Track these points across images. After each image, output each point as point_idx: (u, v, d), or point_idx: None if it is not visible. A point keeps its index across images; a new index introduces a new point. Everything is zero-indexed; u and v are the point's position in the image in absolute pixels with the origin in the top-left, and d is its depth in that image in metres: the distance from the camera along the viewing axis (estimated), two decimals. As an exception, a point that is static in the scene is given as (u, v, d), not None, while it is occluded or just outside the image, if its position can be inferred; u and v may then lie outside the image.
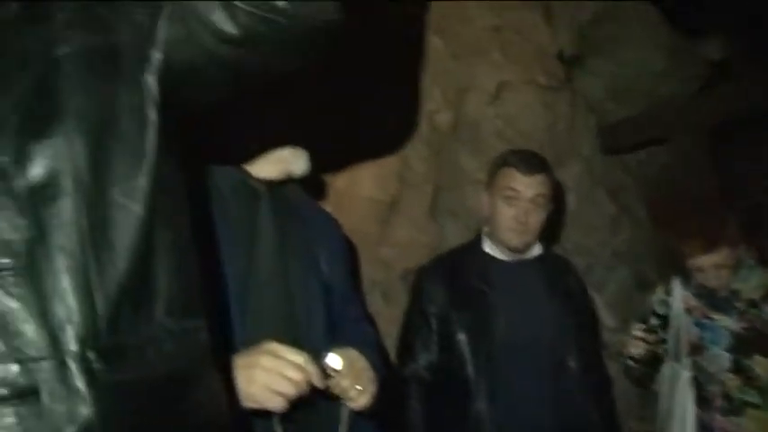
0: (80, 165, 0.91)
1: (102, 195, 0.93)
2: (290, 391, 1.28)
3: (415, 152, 2.72)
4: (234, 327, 1.39)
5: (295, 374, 1.28)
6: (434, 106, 2.78)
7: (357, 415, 1.47)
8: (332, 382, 1.40)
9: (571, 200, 3.06)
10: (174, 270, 0.99)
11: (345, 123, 2.31)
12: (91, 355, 0.87)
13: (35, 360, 0.86)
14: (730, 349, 2.34)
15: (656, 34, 3.23)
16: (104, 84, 0.97)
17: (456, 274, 2.27)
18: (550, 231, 2.47)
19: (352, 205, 2.57)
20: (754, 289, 2.37)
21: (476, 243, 2.34)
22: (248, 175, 1.54)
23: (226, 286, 1.41)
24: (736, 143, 3.35)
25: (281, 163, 1.57)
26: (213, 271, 1.37)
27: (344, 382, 1.42)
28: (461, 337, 2.16)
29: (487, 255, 2.29)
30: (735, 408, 2.32)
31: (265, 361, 1.28)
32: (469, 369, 2.13)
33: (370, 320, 2.05)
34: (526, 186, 2.20)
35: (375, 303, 2.57)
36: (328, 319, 1.58)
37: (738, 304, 2.37)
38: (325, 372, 1.39)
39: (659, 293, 2.58)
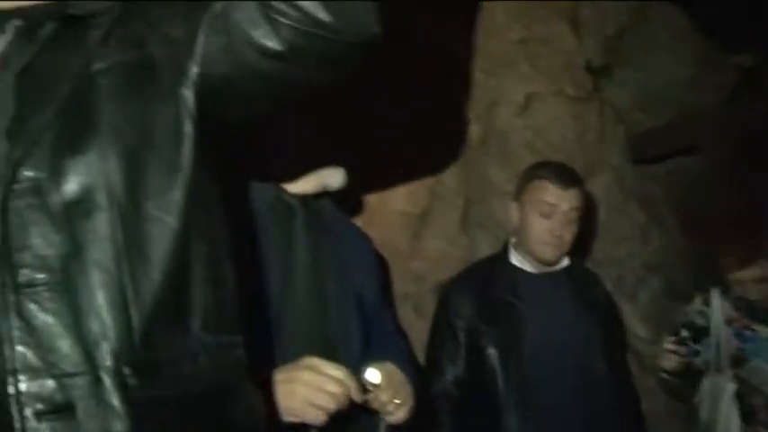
0: (114, 180, 0.92)
1: (137, 210, 0.93)
2: (330, 405, 1.28)
3: (446, 165, 2.72)
4: (271, 342, 1.40)
5: (334, 389, 1.29)
6: (463, 119, 2.78)
7: (393, 429, 1.47)
8: (371, 397, 1.41)
9: (601, 210, 3.04)
10: (210, 284, 1.00)
11: (375, 137, 2.31)
12: (126, 370, 0.88)
13: (70, 375, 0.86)
14: (773, 361, 2.32)
15: (684, 42, 3.20)
16: (140, 98, 0.98)
17: (484, 287, 2.26)
18: (581, 242, 2.46)
19: (383, 219, 2.57)
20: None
21: (502, 255, 2.33)
22: (283, 191, 1.55)
23: (263, 302, 1.41)
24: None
25: (316, 178, 1.57)
26: (250, 286, 1.38)
27: (383, 397, 1.42)
28: (491, 351, 2.16)
29: (515, 267, 2.29)
30: (780, 421, 2.29)
31: (305, 375, 1.29)
32: (500, 383, 2.12)
33: (402, 334, 2.05)
34: (561, 200, 2.19)
35: (407, 316, 2.56)
36: (364, 334, 1.58)
37: (780, 315, 2.34)
38: (364, 386, 1.40)
39: (697, 304, 2.56)
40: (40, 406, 0.85)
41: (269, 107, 1.17)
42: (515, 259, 2.29)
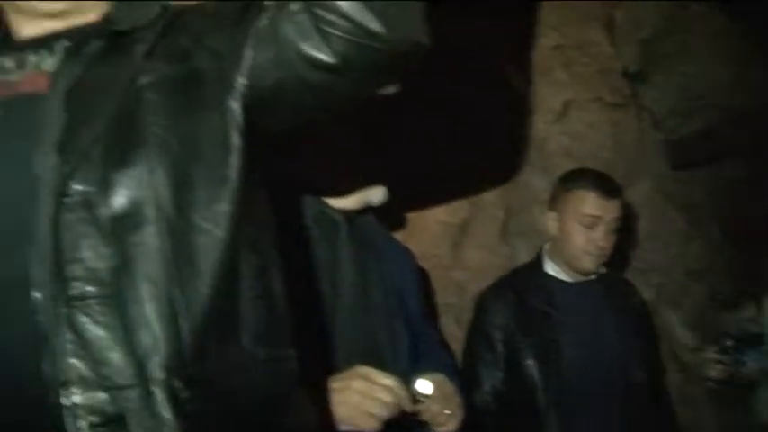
0: (162, 193, 0.93)
1: (186, 222, 0.94)
2: (383, 412, 1.31)
3: (485, 175, 2.71)
4: (321, 354, 1.41)
5: (387, 397, 1.31)
6: (501, 128, 2.77)
7: (441, 439, 1.48)
8: (422, 407, 1.43)
9: (642, 217, 3.01)
10: (259, 297, 1.00)
11: (414, 148, 2.31)
12: (177, 383, 0.88)
13: (122, 388, 0.87)
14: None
15: (722, 44, 3.16)
16: (186, 111, 0.98)
17: (519, 297, 2.24)
18: (622, 250, 2.43)
19: (424, 229, 2.57)
20: None
21: (536, 264, 2.31)
22: (326, 206, 1.56)
23: (312, 313, 1.42)
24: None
25: (360, 194, 1.58)
26: (300, 298, 1.38)
27: (434, 407, 1.45)
28: (530, 362, 2.15)
29: (550, 276, 2.27)
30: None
31: (358, 384, 1.32)
32: (539, 394, 2.12)
33: (445, 345, 2.04)
34: (604, 211, 2.18)
35: (448, 327, 2.55)
36: (411, 345, 1.60)
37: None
38: (415, 397, 1.41)
39: (748, 311, 2.51)
40: (93, 418, 0.85)
41: (315, 118, 1.17)
42: (550, 268, 2.28)
